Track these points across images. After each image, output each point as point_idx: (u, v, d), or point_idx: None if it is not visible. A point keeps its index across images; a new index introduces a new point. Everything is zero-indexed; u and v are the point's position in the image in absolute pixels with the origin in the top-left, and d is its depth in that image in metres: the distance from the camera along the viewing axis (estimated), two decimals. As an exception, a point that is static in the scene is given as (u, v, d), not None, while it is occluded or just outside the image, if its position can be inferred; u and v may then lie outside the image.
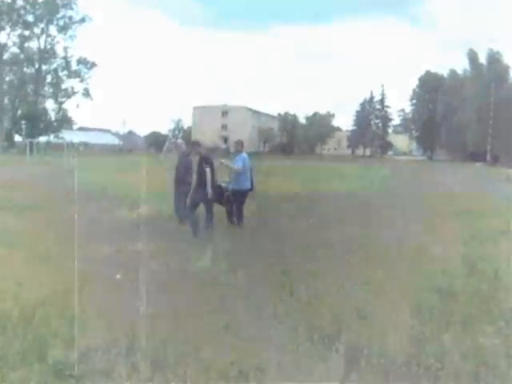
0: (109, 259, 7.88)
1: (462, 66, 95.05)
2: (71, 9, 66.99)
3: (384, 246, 9.41)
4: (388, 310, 5.82)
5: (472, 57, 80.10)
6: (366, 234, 10.68)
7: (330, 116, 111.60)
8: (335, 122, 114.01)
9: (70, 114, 69.68)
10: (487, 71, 76.28)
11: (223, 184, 11.75)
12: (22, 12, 64.69)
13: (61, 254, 7.72)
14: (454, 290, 6.76)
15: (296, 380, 4.42)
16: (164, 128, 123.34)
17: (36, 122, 62.38)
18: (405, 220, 12.55)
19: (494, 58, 77.07)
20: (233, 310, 5.79)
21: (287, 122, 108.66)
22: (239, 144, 11.98)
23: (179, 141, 12.77)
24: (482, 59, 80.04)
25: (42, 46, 66.25)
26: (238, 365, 4.55)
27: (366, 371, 4.53)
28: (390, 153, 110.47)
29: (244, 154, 11.74)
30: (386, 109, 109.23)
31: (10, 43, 65.15)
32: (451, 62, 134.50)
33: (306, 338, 5.13)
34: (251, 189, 11.82)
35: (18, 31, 65.33)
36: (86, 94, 68.57)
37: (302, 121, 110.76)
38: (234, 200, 11.49)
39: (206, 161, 10.72)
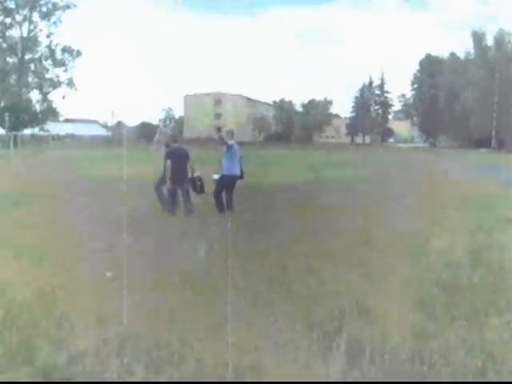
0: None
1: (464, 48, 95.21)
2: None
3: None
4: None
5: (477, 38, 79.92)
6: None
7: (328, 102, 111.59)
8: (333, 109, 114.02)
9: (55, 105, 69.32)
10: (495, 53, 75.97)
11: (215, 176, 12.81)
12: (3, -2, 64.34)
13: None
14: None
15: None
16: (154, 118, 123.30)
17: (20, 114, 62.09)
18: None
19: (503, 40, 76.70)
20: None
21: (283, 109, 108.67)
22: (229, 133, 13.00)
23: (166, 130, 13.62)
24: (487, 40, 79.76)
25: (25, 34, 65.95)
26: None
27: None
28: (390, 140, 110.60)
29: (234, 142, 12.68)
30: (385, 94, 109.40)
31: (-10, 32, 64.85)
32: (453, 44, 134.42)
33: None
34: (241, 177, 12.84)
35: (-1, 19, 65.01)
36: (70, 84, 68.30)
37: (299, 108, 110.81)
38: (223, 186, 12.50)
39: (168, 154, 12.17)
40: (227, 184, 12.50)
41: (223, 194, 12.55)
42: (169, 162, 11.99)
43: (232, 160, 12.51)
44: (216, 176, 12.79)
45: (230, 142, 12.54)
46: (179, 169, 12.04)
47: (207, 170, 13.67)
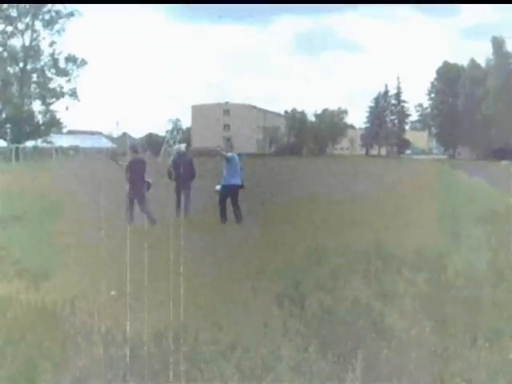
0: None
1: (484, 55, 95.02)
2: (59, 2, 67.16)
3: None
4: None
5: (497, 44, 79.72)
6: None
7: (342, 112, 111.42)
8: (347, 119, 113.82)
9: (58, 116, 69.56)
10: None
11: (217, 187, 14.12)
12: (5, 6, 64.96)
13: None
14: None
15: None
16: (161, 129, 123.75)
17: (22, 126, 62.48)
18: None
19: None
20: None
21: (295, 120, 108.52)
22: (229, 146, 15.20)
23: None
24: (507, 46, 79.49)
25: (27, 43, 66.46)
26: None
27: None
28: (407, 152, 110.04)
29: (233, 154, 14.16)
30: (402, 104, 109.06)
31: (-9, 41, 65.38)
32: (472, 51, 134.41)
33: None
34: (242, 186, 14.03)
35: (1, 27, 65.61)
36: (73, 94, 68.51)
37: (311, 118, 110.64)
38: (225, 196, 13.72)
39: (128, 166, 13.52)
40: (229, 194, 13.70)
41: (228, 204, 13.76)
42: (128, 173, 13.37)
43: (232, 170, 13.81)
44: (218, 187, 14.04)
45: (229, 154, 13.88)
46: (137, 178, 13.39)
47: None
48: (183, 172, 14.71)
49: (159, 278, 7.09)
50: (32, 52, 67.02)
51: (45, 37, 68.03)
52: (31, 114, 67.20)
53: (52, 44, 67.92)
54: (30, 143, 64.45)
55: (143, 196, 13.49)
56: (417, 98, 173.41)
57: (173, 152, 17.43)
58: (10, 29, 65.87)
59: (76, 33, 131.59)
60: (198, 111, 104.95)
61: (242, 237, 11.21)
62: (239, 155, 14.55)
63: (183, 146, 16.88)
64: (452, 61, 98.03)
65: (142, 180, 13.53)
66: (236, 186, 13.83)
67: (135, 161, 13.70)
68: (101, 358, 5.07)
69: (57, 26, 67.59)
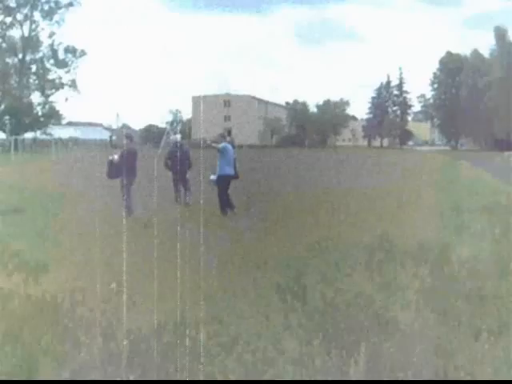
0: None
1: (486, 45, 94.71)
2: (58, -8, 67.05)
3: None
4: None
5: (499, 34, 79.38)
6: None
7: (344, 103, 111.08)
8: (349, 111, 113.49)
9: (58, 108, 69.54)
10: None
11: (212, 177, 14.04)
12: (4, -3, 64.81)
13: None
14: None
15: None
16: (161, 121, 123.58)
17: (21, 118, 62.43)
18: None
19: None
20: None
21: (296, 111, 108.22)
22: (221, 137, 14.87)
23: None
24: (510, 36, 79.17)
25: (26, 34, 66.33)
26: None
27: None
28: (410, 143, 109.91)
29: (226, 144, 14.22)
30: (404, 94, 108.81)
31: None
32: (475, 41, 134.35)
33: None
34: (236, 176, 14.27)
35: (-1, 18, 65.47)
36: (73, 85, 68.48)
37: (313, 109, 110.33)
38: (222, 187, 13.76)
39: (121, 155, 13.88)
40: (224, 183, 13.79)
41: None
42: (123, 161, 13.64)
43: (225, 161, 13.91)
44: (213, 177, 13.98)
45: (221, 145, 13.99)
46: (128, 168, 13.52)
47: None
48: (180, 162, 14.84)
49: (159, 270, 7.06)
50: (31, 43, 66.93)
51: (44, 27, 68.15)
52: (30, 105, 67.19)
53: (51, 35, 67.96)
54: (29, 135, 64.44)
55: (131, 185, 13.77)
56: (419, 88, 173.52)
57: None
58: (8, 19, 65.90)
59: (75, 23, 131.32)
60: (199, 102, 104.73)
61: (242, 228, 11.23)
62: (240, 147, 14.64)
63: (179, 137, 16.84)
64: (455, 51, 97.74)
65: (132, 170, 13.82)
66: (230, 176, 13.99)
67: (127, 151, 14.00)
68: (101, 351, 5.05)
69: (56, 17, 67.58)
